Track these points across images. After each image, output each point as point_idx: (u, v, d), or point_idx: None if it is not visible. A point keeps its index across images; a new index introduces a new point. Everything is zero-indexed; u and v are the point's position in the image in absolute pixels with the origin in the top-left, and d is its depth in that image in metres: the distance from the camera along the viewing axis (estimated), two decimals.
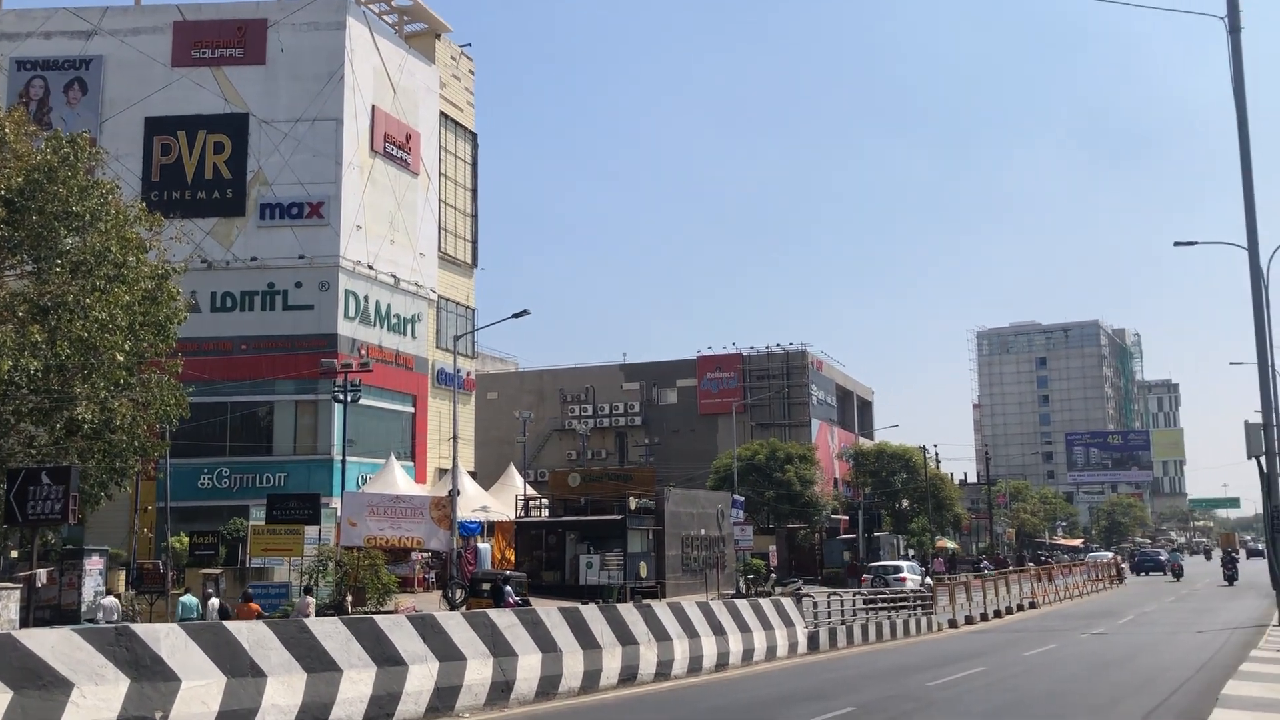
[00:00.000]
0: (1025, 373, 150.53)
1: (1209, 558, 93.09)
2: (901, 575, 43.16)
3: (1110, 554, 71.88)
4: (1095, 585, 49.13)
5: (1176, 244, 31.13)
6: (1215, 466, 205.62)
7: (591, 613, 16.39)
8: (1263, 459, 13.14)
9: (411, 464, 44.87)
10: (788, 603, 22.83)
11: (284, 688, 10.84)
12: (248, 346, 41.95)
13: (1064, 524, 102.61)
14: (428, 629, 13.12)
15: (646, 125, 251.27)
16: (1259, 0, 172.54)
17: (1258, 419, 18.74)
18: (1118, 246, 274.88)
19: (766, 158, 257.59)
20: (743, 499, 50.09)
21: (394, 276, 45.34)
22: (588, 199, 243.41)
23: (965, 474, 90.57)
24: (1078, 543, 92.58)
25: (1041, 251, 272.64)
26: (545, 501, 43.52)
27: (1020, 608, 35.89)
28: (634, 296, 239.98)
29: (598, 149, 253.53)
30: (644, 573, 38.27)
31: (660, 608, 18.43)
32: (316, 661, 11.34)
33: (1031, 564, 56.27)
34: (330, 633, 11.80)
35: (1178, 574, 58.28)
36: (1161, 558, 68.53)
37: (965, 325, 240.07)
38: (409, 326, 46.36)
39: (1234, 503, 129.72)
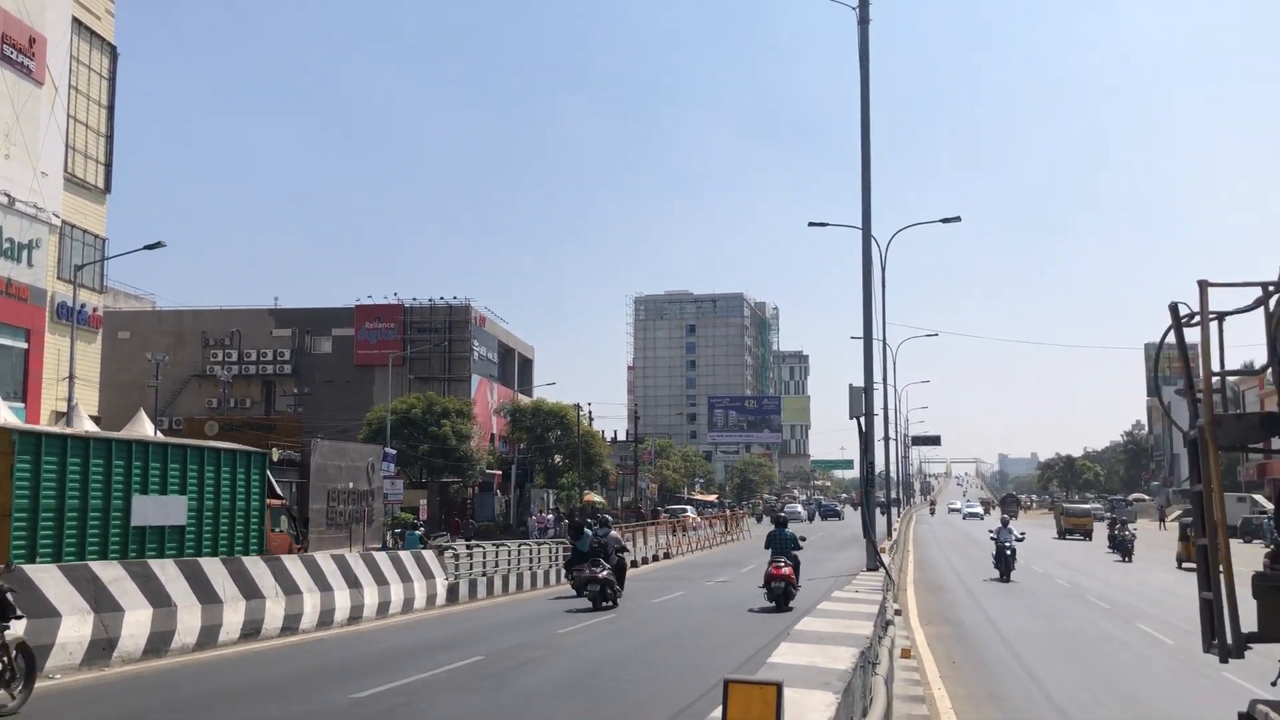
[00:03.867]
0: (676, 339, 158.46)
1: (855, 508, 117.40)
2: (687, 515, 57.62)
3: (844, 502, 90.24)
4: (724, 537, 52.65)
5: (811, 224, 33.76)
6: (834, 430, 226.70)
7: (213, 566, 15.47)
8: (862, 419, 14.54)
9: (22, 405, 40.35)
10: (429, 555, 22.69)
11: None
12: None
13: (701, 480, 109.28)
14: (16, 584, 11.81)
15: (315, 58, 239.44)
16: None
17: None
18: (765, 224, 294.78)
19: (445, 105, 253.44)
20: (395, 452, 49.27)
21: (8, 195, 40.38)
22: (246, 131, 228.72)
23: (615, 432, 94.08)
24: (713, 498, 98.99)
25: (700, 224, 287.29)
26: None
27: (656, 558, 37.81)
28: (291, 238, 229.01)
29: (259, 78, 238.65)
30: (285, 527, 36.72)
31: (291, 561, 17.73)
32: None
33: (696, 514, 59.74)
34: None
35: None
36: (838, 508, 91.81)
37: (626, 290, 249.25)
38: (25, 253, 41.53)
39: (849, 464, 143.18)
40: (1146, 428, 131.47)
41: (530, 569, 27.44)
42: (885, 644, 7.11)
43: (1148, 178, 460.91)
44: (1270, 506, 65.87)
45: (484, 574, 24.85)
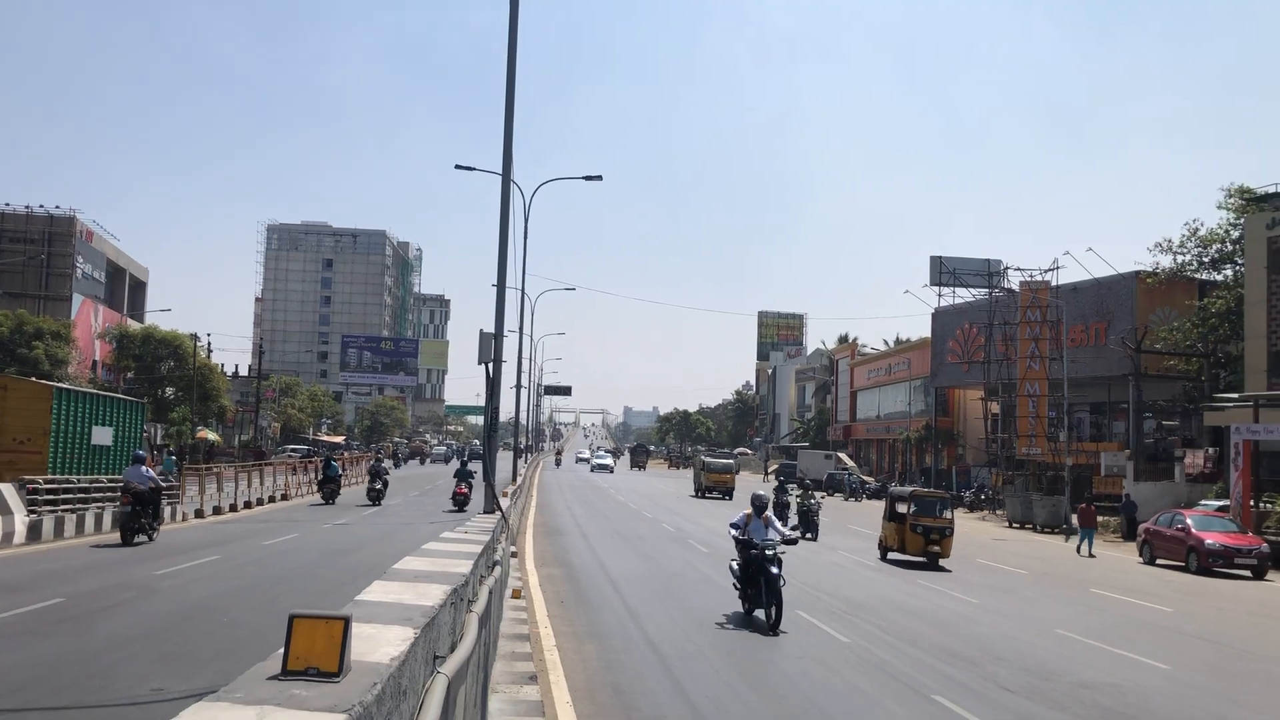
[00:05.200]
0: (311, 272, 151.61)
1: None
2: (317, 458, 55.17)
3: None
4: (350, 480, 51.42)
5: (457, 167, 33.41)
6: (472, 376, 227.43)
7: None
8: (490, 365, 14.67)
9: None
10: (5, 489, 20.38)
11: None
12: None
13: (330, 421, 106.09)
14: None
15: None
16: None
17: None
18: (412, 162, 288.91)
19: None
20: None
21: None
22: None
23: (237, 366, 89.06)
24: (340, 439, 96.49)
25: (343, 153, 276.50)
26: None
27: (273, 499, 36.29)
28: None
29: None
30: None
31: None
32: None
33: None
34: None
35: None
36: (476, 447, 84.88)
37: (258, 216, 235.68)
38: None
39: (481, 409, 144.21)
40: (754, 388, 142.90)
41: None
42: (489, 583, 7.22)
43: (775, 160, 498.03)
44: (851, 463, 73.93)
45: (73, 510, 22.70)
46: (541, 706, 9.06)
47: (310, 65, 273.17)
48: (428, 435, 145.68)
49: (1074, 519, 35.92)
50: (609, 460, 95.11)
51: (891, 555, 25.60)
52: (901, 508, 25.46)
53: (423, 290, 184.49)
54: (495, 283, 15.57)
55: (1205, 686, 12.21)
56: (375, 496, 36.91)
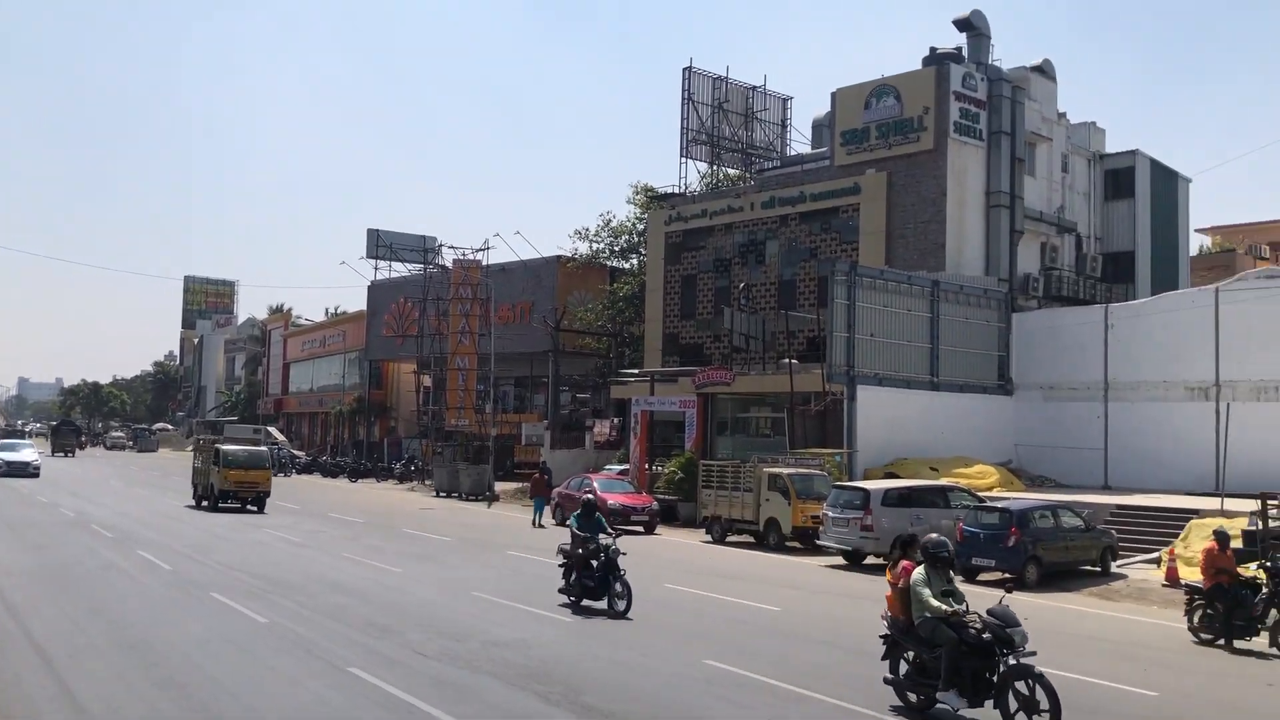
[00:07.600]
0: None
1: None
2: None
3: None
4: None
5: None
6: None
7: None
8: None
9: None
10: None
11: None
12: None
13: None
14: None
15: None
16: None
17: None
18: None
19: None
20: None
21: None
22: None
23: None
24: None
25: None
26: None
27: None
28: None
29: None
30: None
31: None
32: None
33: None
34: None
35: None
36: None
37: None
38: None
39: None
40: (178, 359, 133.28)
41: None
42: None
43: (208, 116, 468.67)
44: (281, 438, 71.73)
45: None
46: None
47: None
48: None
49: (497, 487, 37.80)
50: (31, 455, 50.00)
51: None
52: None
53: None
54: None
55: (602, 634, 13.39)
56: None
